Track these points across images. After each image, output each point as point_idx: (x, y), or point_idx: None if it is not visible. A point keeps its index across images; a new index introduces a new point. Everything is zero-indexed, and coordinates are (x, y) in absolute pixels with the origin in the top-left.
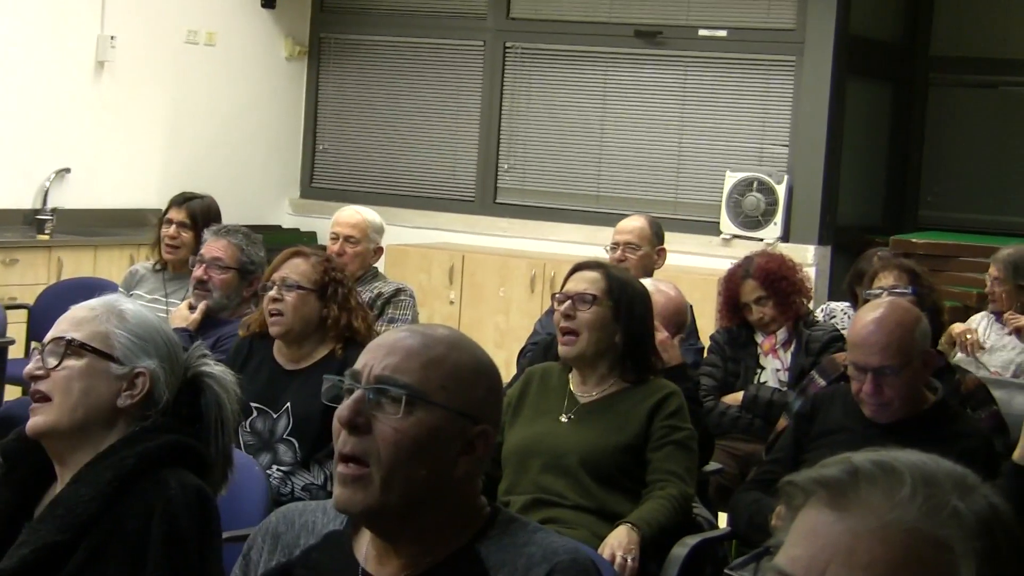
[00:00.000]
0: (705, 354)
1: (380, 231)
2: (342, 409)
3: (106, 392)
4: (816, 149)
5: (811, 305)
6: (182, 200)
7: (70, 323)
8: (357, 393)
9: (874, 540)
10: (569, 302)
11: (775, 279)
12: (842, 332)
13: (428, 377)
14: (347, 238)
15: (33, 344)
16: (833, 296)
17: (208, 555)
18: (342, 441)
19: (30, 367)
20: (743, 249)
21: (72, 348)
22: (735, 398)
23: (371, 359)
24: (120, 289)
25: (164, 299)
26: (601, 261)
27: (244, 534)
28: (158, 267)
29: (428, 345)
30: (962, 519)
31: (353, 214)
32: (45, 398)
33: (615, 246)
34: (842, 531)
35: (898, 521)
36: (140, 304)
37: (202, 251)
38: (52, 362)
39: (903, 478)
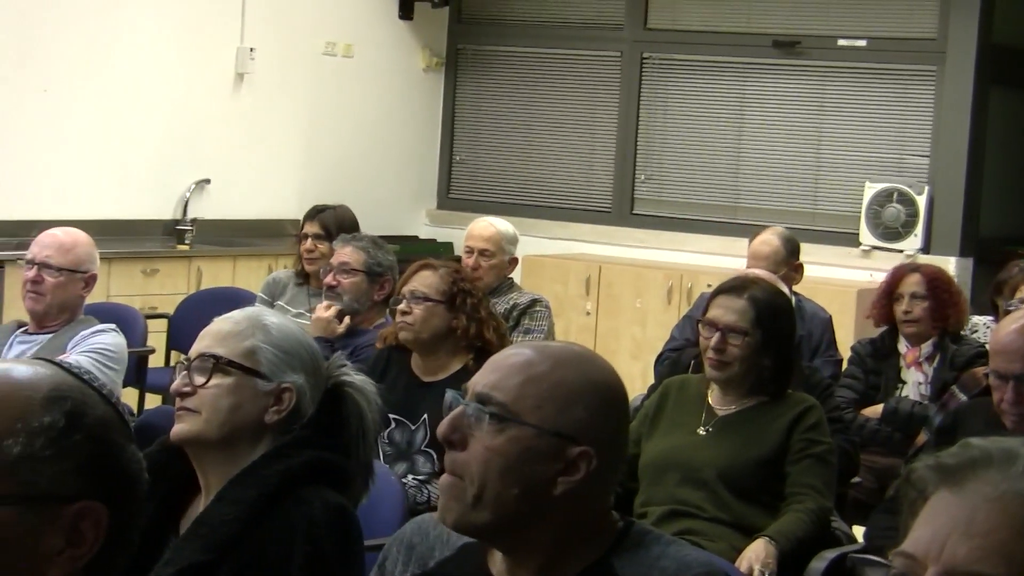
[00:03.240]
0: (844, 366)
1: (514, 242)
2: (440, 425)
3: (253, 409)
4: (957, 159)
5: (967, 328)
6: (315, 212)
7: (215, 338)
8: (456, 409)
9: (992, 510)
10: (719, 335)
11: (939, 285)
12: (986, 346)
13: (524, 395)
14: (482, 251)
15: (173, 353)
16: (974, 309)
17: (351, 575)
18: (444, 456)
19: (177, 384)
20: (883, 261)
21: (219, 366)
22: (875, 410)
23: (480, 376)
24: (261, 296)
25: (309, 314)
26: (744, 281)
27: (380, 543)
28: (300, 281)
29: (532, 362)
30: None
31: (486, 227)
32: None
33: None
34: (960, 505)
35: (1014, 491)
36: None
37: (332, 259)
38: (199, 379)
39: (1017, 453)
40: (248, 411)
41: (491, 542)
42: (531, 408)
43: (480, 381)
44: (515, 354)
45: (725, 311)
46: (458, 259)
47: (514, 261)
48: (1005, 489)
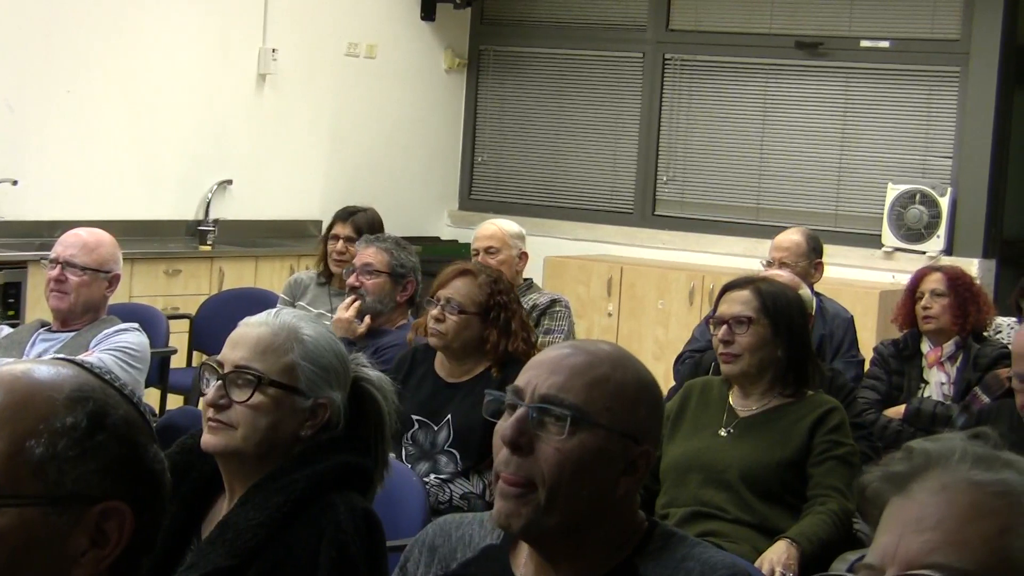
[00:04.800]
0: (867, 367)
1: (520, 237)
2: (505, 428)
3: (290, 425)
4: (981, 161)
5: (991, 329)
6: (347, 215)
7: (252, 350)
8: (520, 412)
9: (938, 503)
10: (726, 327)
11: (960, 283)
12: (1010, 347)
13: (593, 397)
14: (487, 249)
15: (195, 354)
16: (997, 310)
17: None
18: (503, 460)
19: (213, 396)
20: (905, 262)
21: (260, 385)
22: (897, 411)
23: (534, 376)
24: (282, 297)
25: (330, 314)
26: (751, 277)
27: (402, 544)
28: (322, 280)
29: (592, 364)
30: (1014, 464)
31: (488, 226)
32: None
33: (771, 263)
34: (908, 507)
35: (955, 480)
36: (319, 322)
37: (354, 260)
38: (238, 395)
39: (954, 446)
40: (285, 427)
41: (545, 545)
42: (602, 410)
43: (541, 382)
44: (569, 355)
45: (730, 304)
46: None
47: (524, 256)
48: (947, 481)
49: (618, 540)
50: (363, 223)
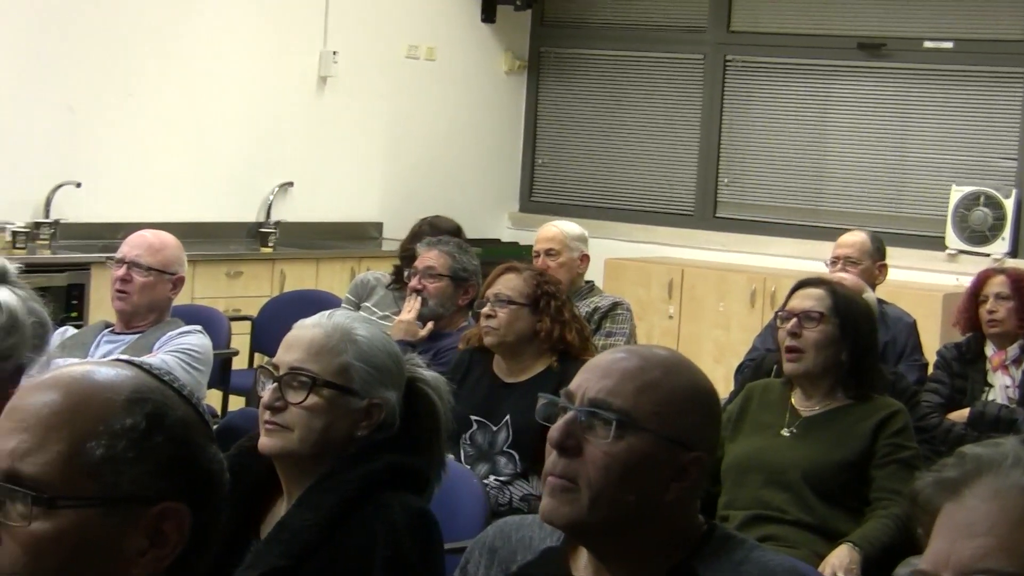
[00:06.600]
0: (930, 370)
1: (581, 239)
2: (553, 430)
3: (345, 426)
4: None
5: None
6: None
7: (307, 351)
8: (569, 415)
9: (990, 509)
10: (795, 320)
11: None
12: None
13: (641, 402)
14: (547, 251)
15: (256, 356)
16: None
17: None
18: (552, 462)
19: (269, 399)
20: (969, 265)
21: (315, 387)
22: (961, 414)
23: (586, 380)
24: (347, 296)
25: (396, 317)
26: (825, 278)
27: (461, 546)
28: (396, 286)
29: (644, 368)
30: None
31: (549, 228)
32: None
33: (835, 260)
34: (961, 512)
35: (1007, 486)
36: (372, 322)
37: (416, 262)
38: (294, 397)
39: (1006, 451)
40: (339, 428)
41: (594, 544)
42: (650, 414)
43: (591, 386)
44: (622, 359)
45: (803, 299)
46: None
47: (585, 258)
48: (998, 487)
49: (673, 543)
50: (446, 231)
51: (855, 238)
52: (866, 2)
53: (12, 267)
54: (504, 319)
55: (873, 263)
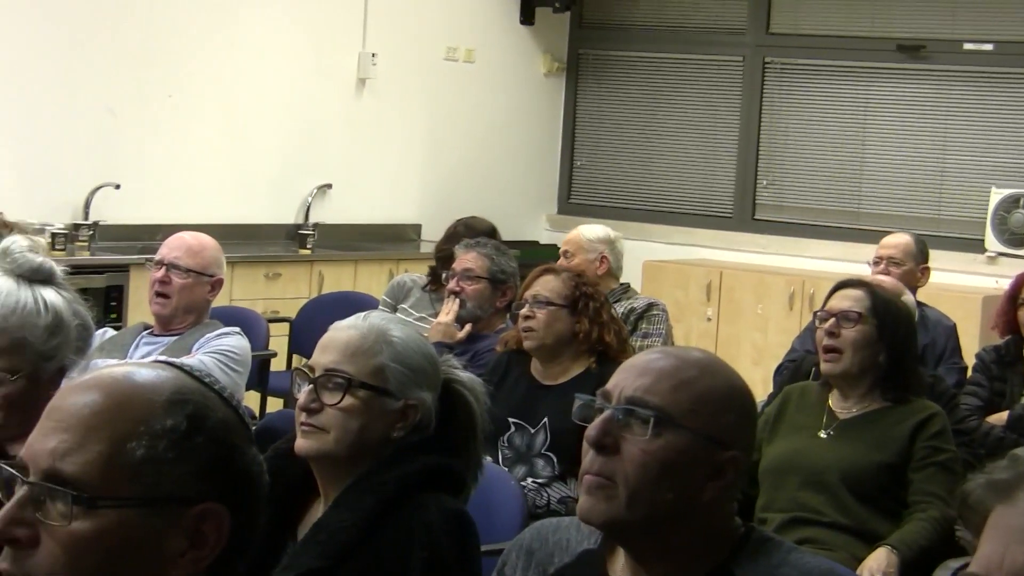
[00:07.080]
0: (969, 373)
1: (603, 241)
2: (590, 428)
3: (380, 426)
4: None
5: None
6: (465, 227)
7: (342, 353)
8: (606, 413)
9: None
10: (833, 320)
11: None
12: None
13: (678, 400)
14: (564, 253)
15: (295, 357)
16: None
17: None
18: (589, 460)
19: (304, 400)
20: (1009, 267)
21: (351, 388)
22: (1000, 417)
23: (622, 379)
24: (384, 299)
25: (432, 319)
26: (865, 279)
27: (499, 548)
28: (432, 288)
29: (680, 368)
30: None
31: (572, 231)
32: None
33: (878, 260)
34: (1014, 516)
35: None
36: (407, 323)
37: (454, 264)
38: (329, 398)
39: None
40: (375, 429)
41: (632, 544)
42: (687, 412)
43: (628, 385)
44: (658, 359)
45: (841, 299)
46: None
47: (604, 260)
48: None
49: (709, 544)
50: (483, 232)
51: (899, 239)
52: (906, 4)
53: (59, 269)
54: (542, 320)
55: (916, 265)
